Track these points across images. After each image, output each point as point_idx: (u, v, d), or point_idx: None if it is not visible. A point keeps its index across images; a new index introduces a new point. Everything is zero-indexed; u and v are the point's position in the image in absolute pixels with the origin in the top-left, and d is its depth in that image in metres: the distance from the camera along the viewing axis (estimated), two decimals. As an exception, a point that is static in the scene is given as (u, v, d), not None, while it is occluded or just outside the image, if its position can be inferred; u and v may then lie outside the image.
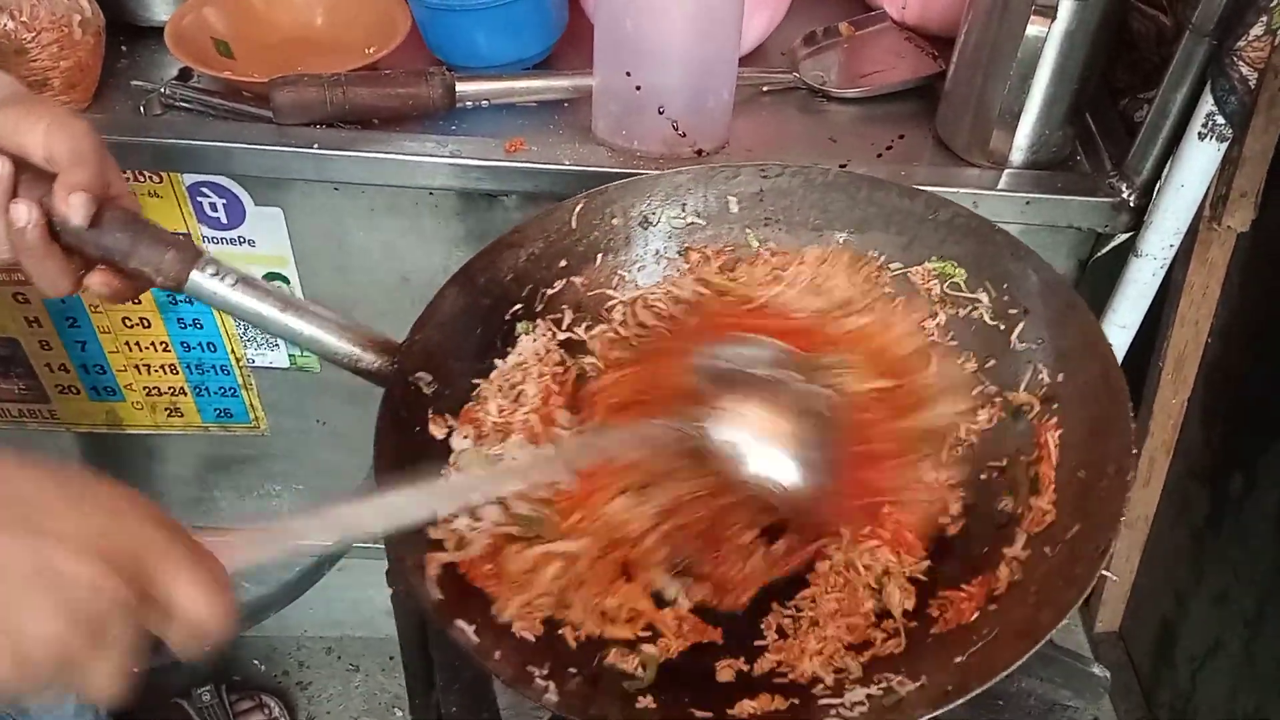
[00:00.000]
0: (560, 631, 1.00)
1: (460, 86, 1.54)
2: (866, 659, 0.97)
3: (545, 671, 0.94)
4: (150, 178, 1.58)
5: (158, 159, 1.53)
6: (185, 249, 1.05)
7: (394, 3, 1.63)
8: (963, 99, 1.52)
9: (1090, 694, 1.03)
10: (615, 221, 1.27)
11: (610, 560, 1.04)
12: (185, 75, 1.58)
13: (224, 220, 1.63)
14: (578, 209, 1.25)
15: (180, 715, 2.20)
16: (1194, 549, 1.85)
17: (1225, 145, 1.41)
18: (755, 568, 1.04)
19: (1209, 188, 1.47)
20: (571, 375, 1.21)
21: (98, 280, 1.06)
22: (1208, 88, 1.38)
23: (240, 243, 1.66)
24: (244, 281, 1.07)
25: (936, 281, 1.21)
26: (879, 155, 1.56)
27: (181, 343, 1.81)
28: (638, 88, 1.46)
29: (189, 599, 0.72)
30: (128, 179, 1.55)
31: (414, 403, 1.10)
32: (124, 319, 1.78)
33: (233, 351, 1.83)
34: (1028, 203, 1.49)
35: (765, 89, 1.67)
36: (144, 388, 1.89)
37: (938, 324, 1.20)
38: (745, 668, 0.99)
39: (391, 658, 2.38)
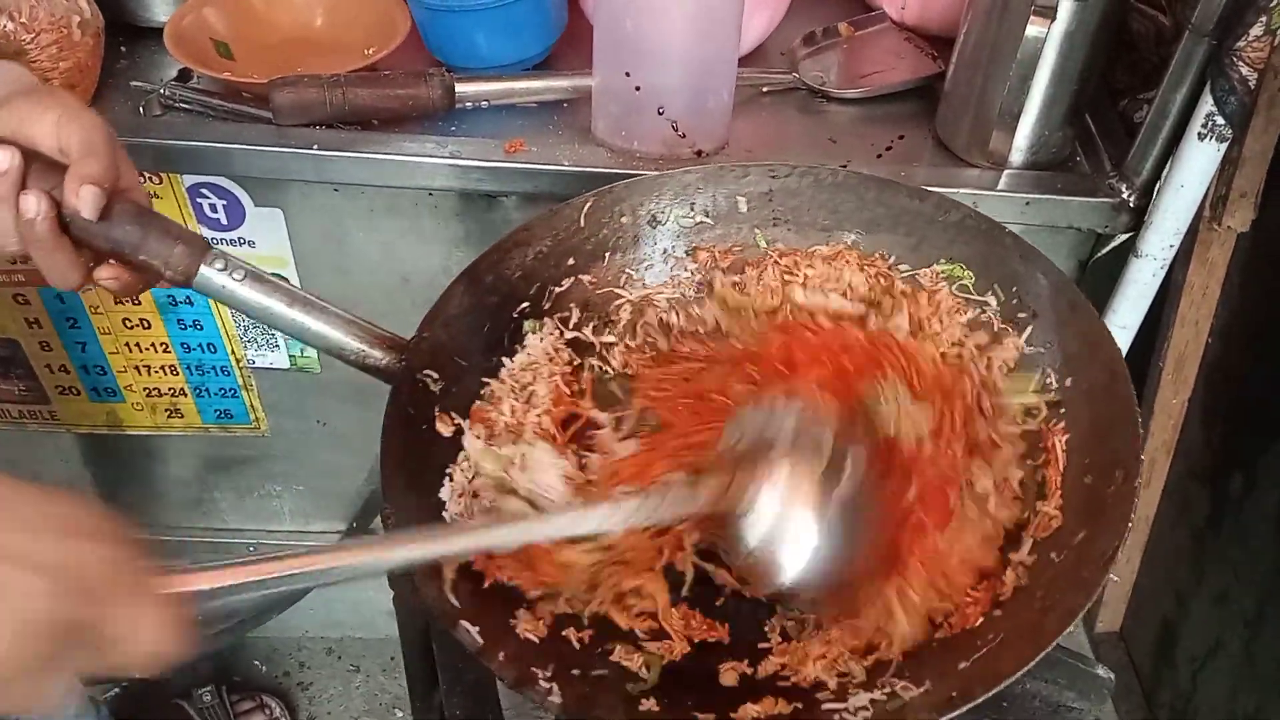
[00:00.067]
0: (565, 632, 1.00)
1: (460, 87, 1.54)
2: (870, 663, 0.97)
3: (549, 673, 0.94)
4: (150, 179, 1.57)
5: (157, 160, 1.53)
6: (194, 243, 1.05)
7: (393, 3, 1.63)
8: (962, 99, 1.52)
9: (1095, 696, 1.03)
10: (624, 220, 1.27)
11: (652, 544, 1.05)
12: (185, 76, 1.58)
13: (224, 221, 1.63)
14: (586, 207, 1.25)
15: (181, 716, 2.20)
16: (1194, 549, 1.85)
17: (1225, 145, 1.41)
18: None
19: (1209, 188, 1.47)
20: (583, 375, 1.22)
21: (106, 274, 1.05)
22: (1207, 88, 1.38)
23: (240, 244, 1.66)
24: (252, 276, 1.07)
25: (945, 283, 1.21)
26: (879, 156, 1.56)
27: (182, 343, 1.81)
28: (637, 88, 1.46)
29: (125, 628, 0.72)
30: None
31: (421, 400, 1.10)
32: (124, 320, 1.78)
33: (233, 352, 1.83)
34: (1027, 203, 1.49)
35: (765, 89, 1.67)
36: (144, 389, 1.89)
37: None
38: (749, 671, 0.99)
39: (392, 658, 2.39)
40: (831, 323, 1.22)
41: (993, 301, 1.19)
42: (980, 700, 0.84)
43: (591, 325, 1.26)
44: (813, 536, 0.94)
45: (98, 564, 0.71)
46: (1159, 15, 1.59)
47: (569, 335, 1.24)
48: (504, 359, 1.18)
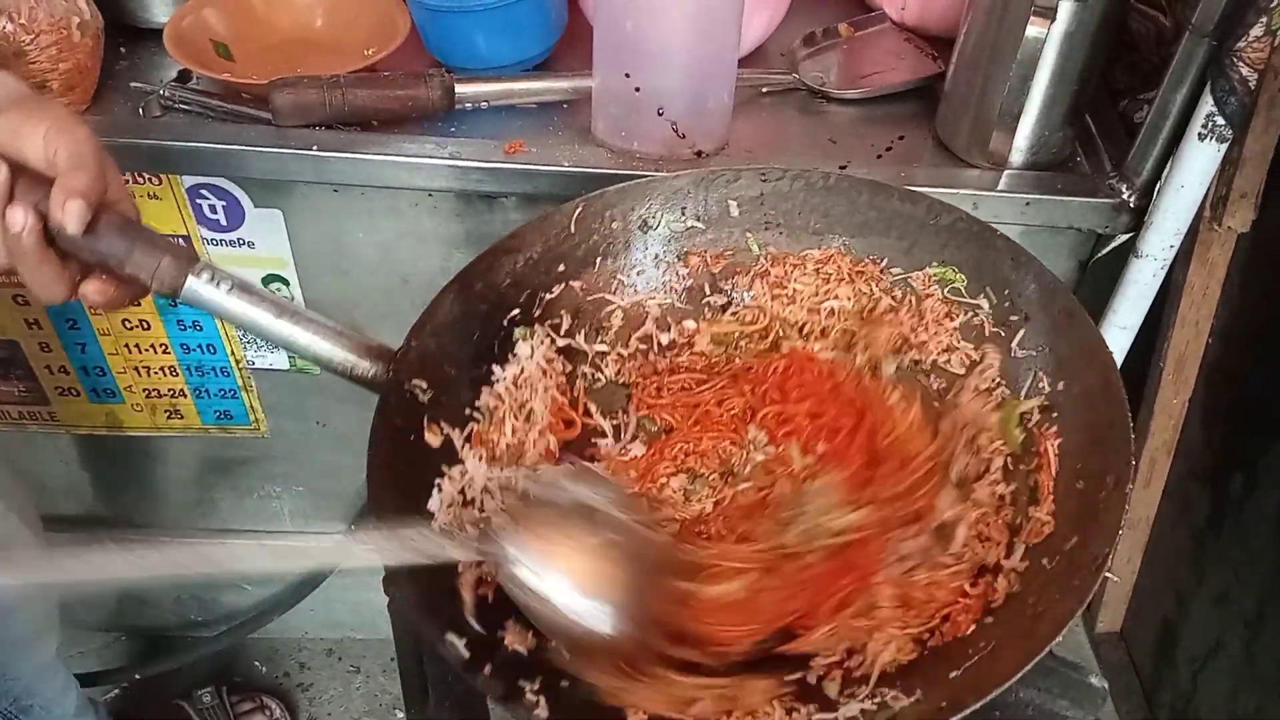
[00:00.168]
0: (554, 643, 0.99)
1: (459, 88, 1.53)
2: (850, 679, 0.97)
3: (536, 686, 0.93)
4: (149, 179, 1.57)
5: (157, 161, 1.53)
6: (181, 254, 1.05)
7: (393, 4, 1.63)
8: (962, 100, 1.52)
9: (1088, 704, 1.02)
10: (614, 225, 1.27)
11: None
12: (184, 77, 1.58)
13: (223, 222, 1.63)
14: (576, 213, 1.24)
15: (182, 716, 2.20)
16: (1195, 550, 1.85)
17: (1225, 146, 1.41)
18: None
19: (1209, 188, 1.47)
20: (577, 384, 1.22)
21: (93, 288, 1.05)
22: (1208, 88, 1.38)
23: (240, 244, 1.65)
24: (239, 287, 1.06)
25: (937, 287, 1.21)
26: (879, 156, 1.56)
27: (181, 345, 1.81)
28: (637, 89, 1.46)
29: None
30: (127, 181, 1.55)
31: (409, 410, 1.09)
32: (124, 321, 1.78)
33: (233, 353, 1.83)
34: (1028, 204, 1.49)
35: (765, 90, 1.66)
36: (144, 390, 1.89)
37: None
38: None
39: (392, 659, 2.38)
40: (822, 345, 1.24)
41: (985, 305, 1.18)
42: (972, 709, 0.84)
43: (583, 333, 1.25)
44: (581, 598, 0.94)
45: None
46: (1159, 15, 1.59)
47: (561, 343, 1.23)
48: (494, 367, 1.17)
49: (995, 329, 1.17)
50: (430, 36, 1.61)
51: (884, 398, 1.17)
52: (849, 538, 1.06)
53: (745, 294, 1.28)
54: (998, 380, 1.15)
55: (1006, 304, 1.16)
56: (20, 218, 0.96)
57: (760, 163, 1.50)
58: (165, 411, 1.93)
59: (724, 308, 1.29)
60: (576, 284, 1.26)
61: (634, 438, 1.22)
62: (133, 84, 1.57)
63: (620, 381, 1.26)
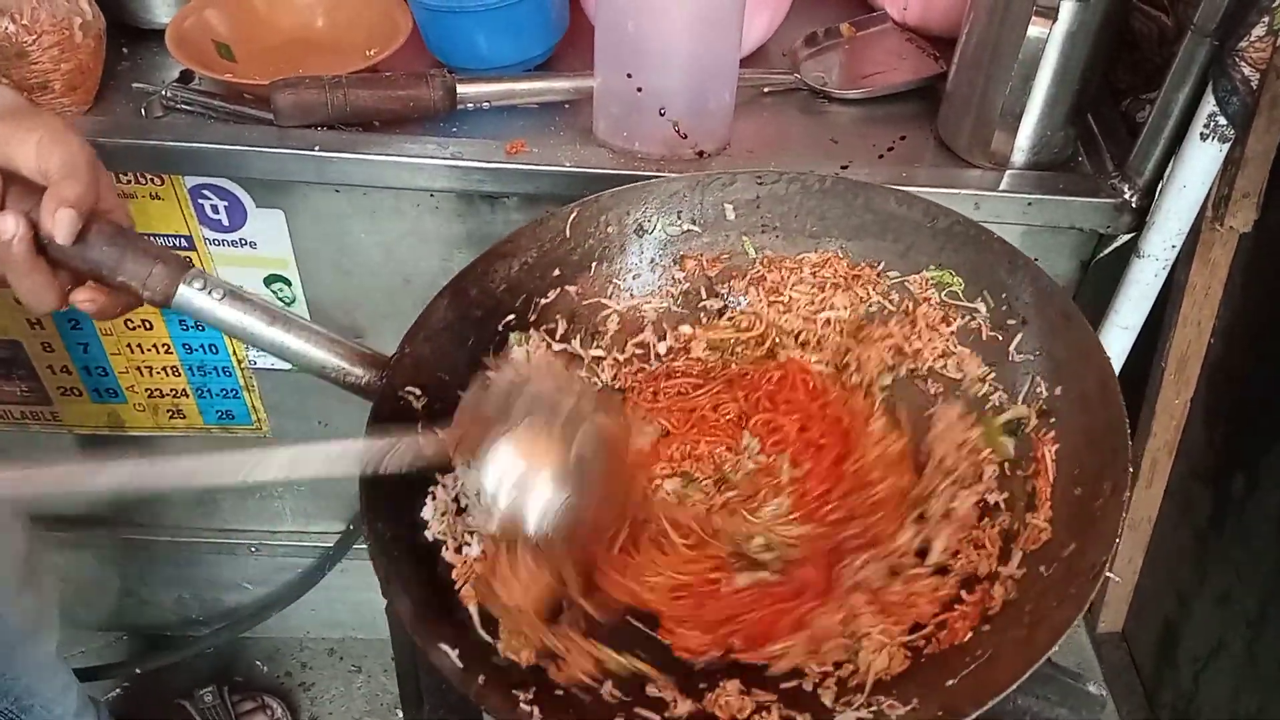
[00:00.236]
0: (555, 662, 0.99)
1: (461, 88, 1.53)
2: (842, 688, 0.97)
3: (530, 696, 0.93)
4: (151, 180, 1.57)
5: (159, 161, 1.53)
6: (173, 263, 1.05)
7: (395, 4, 1.63)
8: (964, 100, 1.52)
9: (1087, 713, 1.02)
10: (610, 230, 1.26)
11: None
12: (186, 78, 1.58)
13: (225, 222, 1.63)
14: (571, 217, 1.24)
15: (183, 716, 2.20)
16: (1197, 550, 1.85)
17: (1227, 146, 1.41)
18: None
19: (1211, 188, 1.47)
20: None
21: (84, 296, 1.05)
22: (1209, 88, 1.38)
23: (241, 245, 1.66)
24: (231, 295, 1.06)
25: (934, 290, 1.21)
26: (880, 156, 1.55)
27: (184, 344, 1.81)
28: (639, 89, 1.46)
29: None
30: (129, 181, 1.56)
31: (403, 417, 1.09)
32: (126, 321, 1.78)
33: (235, 353, 1.83)
34: (1030, 204, 1.49)
35: (766, 90, 1.66)
36: (146, 390, 1.89)
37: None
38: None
39: (393, 659, 2.38)
40: (818, 357, 1.24)
41: (982, 308, 1.18)
42: (970, 718, 0.83)
43: (579, 337, 1.25)
44: (549, 486, 0.95)
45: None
46: (1161, 15, 1.59)
47: (556, 348, 1.23)
48: (489, 374, 1.17)
49: (993, 333, 1.17)
50: (431, 37, 1.61)
51: (867, 424, 1.17)
52: (798, 555, 1.07)
53: (741, 299, 1.28)
54: (993, 387, 1.16)
55: (1004, 307, 1.16)
56: (11, 225, 0.97)
57: (759, 164, 1.49)
58: (167, 411, 1.93)
59: (720, 312, 1.28)
60: (572, 288, 1.26)
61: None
62: (135, 84, 1.57)
63: (616, 386, 1.26)
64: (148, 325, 1.79)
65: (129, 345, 1.82)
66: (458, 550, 1.04)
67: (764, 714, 0.94)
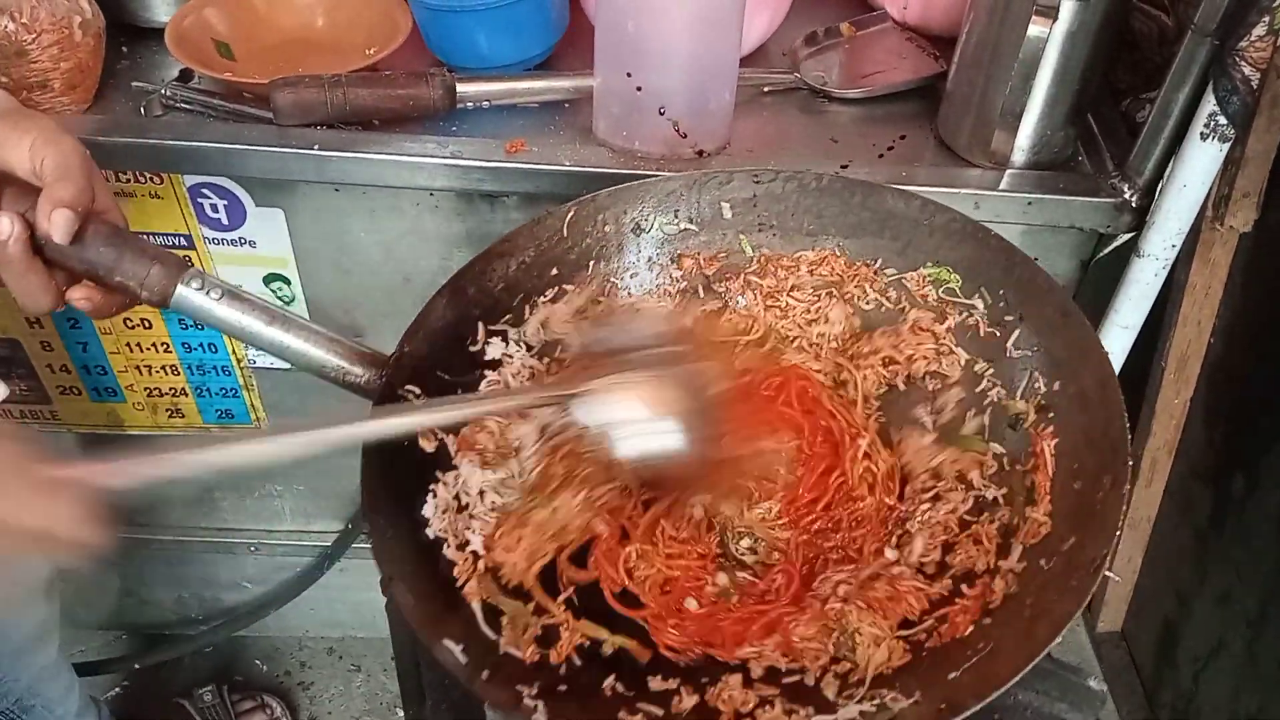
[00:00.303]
0: (549, 651, 1.00)
1: (461, 87, 1.53)
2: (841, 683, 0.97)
3: (534, 691, 0.93)
4: (151, 179, 1.57)
5: (158, 160, 1.53)
6: (170, 262, 1.05)
7: (394, 4, 1.63)
8: (964, 99, 1.52)
9: (1088, 707, 1.02)
10: (607, 229, 1.27)
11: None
12: (186, 76, 1.58)
13: (225, 221, 1.63)
14: (569, 216, 1.24)
15: (182, 715, 2.20)
16: (1196, 549, 1.85)
17: (1227, 145, 1.41)
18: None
19: (1211, 188, 1.47)
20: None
21: (80, 295, 1.06)
22: (1210, 88, 1.38)
23: (241, 244, 1.65)
24: (230, 295, 1.07)
25: (931, 287, 1.21)
26: (880, 156, 1.55)
27: (183, 343, 1.81)
28: (639, 89, 1.46)
29: (44, 518, 0.79)
30: (128, 180, 1.56)
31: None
32: (125, 320, 1.78)
33: (234, 352, 1.83)
34: (1030, 203, 1.49)
35: (766, 89, 1.66)
36: (145, 389, 1.89)
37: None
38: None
39: (393, 658, 2.38)
40: (819, 367, 1.25)
41: (980, 305, 1.19)
42: (971, 711, 0.83)
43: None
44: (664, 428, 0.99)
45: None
46: (1161, 15, 1.59)
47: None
48: (487, 372, 1.17)
49: (990, 329, 1.17)
50: (431, 36, 1.61)
51: (856, 440, 1.18)
52: (779, 559, 1.09)
53: (739, 298, 1.28)
54: (991, 383, 1.16)
55: (1001, 304, 1.16)
56: (7, 225, 0.97)
57: (759, 164, 1.49)
58: (167, 410, 1.93)
59: (718, 313, 1.28)
60: (569, 287, 1.25)
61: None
62: (134, 83, 1.57)
63: None
64: (147, 324, 1.79)
65: (128, 344, 1.82)
66: (459, 548, 1.04)
67: (767, 708, 0.94)
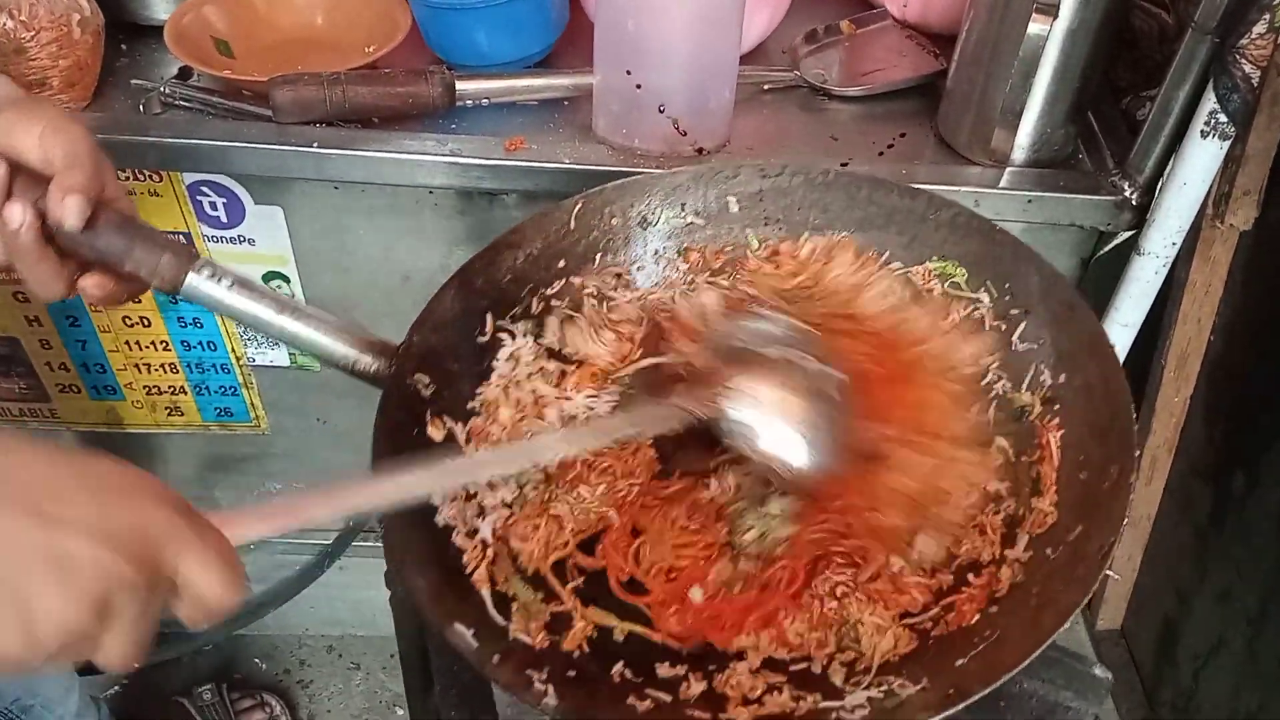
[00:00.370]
0: (564, 634, 1.00)
1: (460, 85, 1.53)
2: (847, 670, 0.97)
3: (544, 675, 0.93)
4: (150, 177, 1.57)
5: (157, 158, 1.53)
6: (181, 251, 1.05)
7: (394, 2, 1.63)
8: (964, 97, 1.52)
9: (1093, 696, 1.02)
10: (614, 221, 1.27)
11: None
12: (185, 74, 1.58)
13: (224, 219, 1.63)
14: (576, 209, 1.24)
15: (181, 713, 2.20)
16: (1197, 547, 1.84)
17: (1228, 143, 1.40)
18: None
19: (1212, 186, 1.47)
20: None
21: (92, 283, 1.06)
22: (1210, 85, 1.37)
23: (240, 242, 1.65)
24: (240, 284, 1.07)
25: (937, 281, 1.21)
26: (880, 154, 1.56)
27: (182, 341, 1.81)
28: (638, 86, 1.46)
29: (197, 576, 0.75)
30: (127, 178, 1.55)
31: (412, 405, 1.09)
32: (124, 318, 1.78)
33: (233, 350, 1.83)
34: (1030, 201, 1.49)
35: (766, 87, 1.66)
36: (144, 387, 1.89)
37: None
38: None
39: (392, 656, 2.38)
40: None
41: (985, 299, 1.18)
42: (978, 697, 0.84)
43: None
44: (810, 428, 1.02)
45: (157, 521, 0.74)
46: (1162, 12, 1.59)
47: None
48: (495, 363, 1.18)
49: (996, 322, 1.17)
50: (431, 33, 1.61)
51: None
52: (782, 552, 1.08)
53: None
54: (997, 375, 1.15)
55: (1007, 298, 1.16)
56: (19, 214, 0.97)
57: (764, 160, 1.49)
58: (166, 408, 1.93)
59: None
60: (576, 280, 1.26)
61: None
62: (133, 81, 1.57)
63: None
64: (145, 322, 1.78)
65: (127, 342, 1.81)
66: (468, 535, 1.04)
67: (775, 694, 0.94)
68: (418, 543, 1.00)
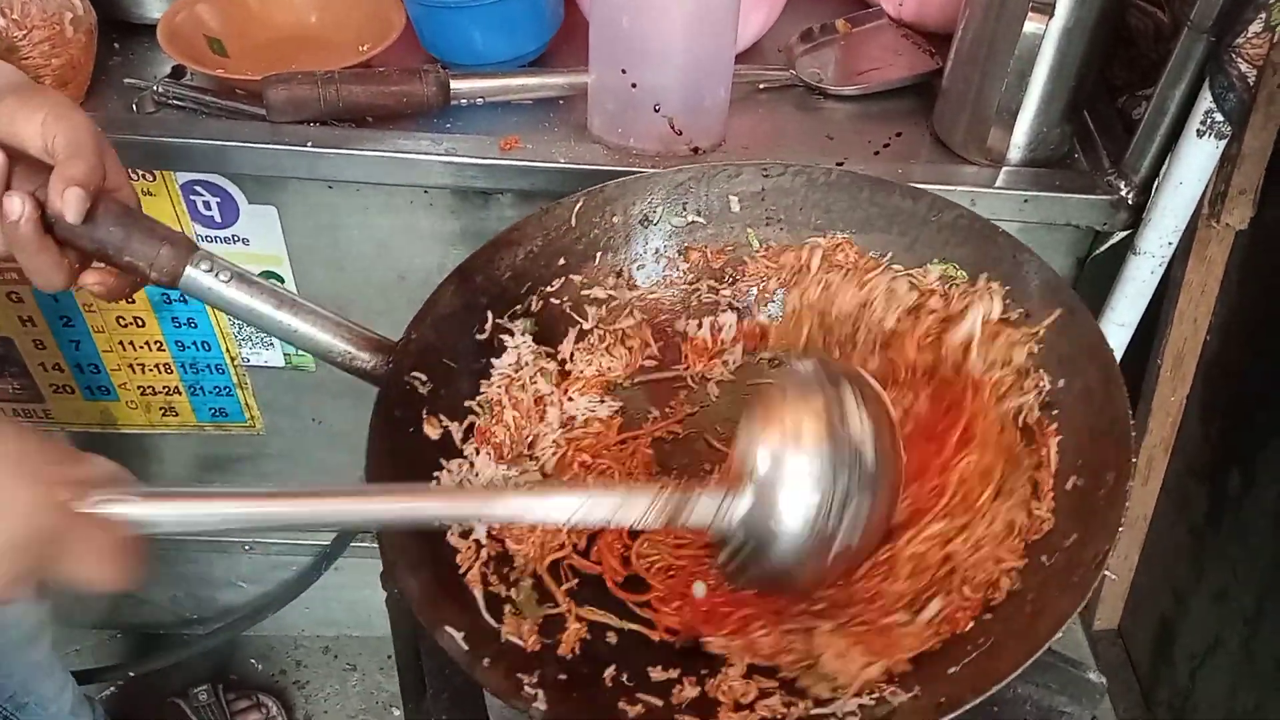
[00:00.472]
0: (553, 639, 1.00)
1: (455, 84, 1.53)
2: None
3: (535, 679, 0.93)
4: (143, 176, 1.57)
5: (151, 157, 1.52)
6: (180, 244, 1.05)
7: (388, 0, 1.62)
8: (960, 96, 1.52)
9: (1087, 700, 1.02)
10: (615, 220, 1.27)
11: None
12: (178, 73, 1.58)
13: (218, 219, 1.63)
14: (577, 207, 1.24)
15: (177, 714, 2.20)
16: (1193, 547, 1.85)
17: (1224, 143, 1.40)
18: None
19: (1207, 185, 1.47)
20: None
21: (93, 279, 1.06)
22: (1206, 85, 1.37)
23: (234, 241, 1.65)
24: (239, 278, 1.07)
25: (938, 283, 1.20)
26: (876, 153, 1.55)
27: (176, 342, 1.81)
28: (634, 85, 1.45)
29: (75, 576, 0.82)
30: (123, 175, 1.55)
31: (409, 403, 1.10)
32: (118, 318, 1.78)
33: (227, 350, 1.82)
34: (1025, 200, 1.49)
35: (762, 86, 1.66)
36: (138, 387, 1.88)
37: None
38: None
39: (389, 657, 2.38)
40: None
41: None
42: (971, 705, 0.83)
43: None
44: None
45: (38, 529, 0.80)
46: (1158, 12, 1.59)
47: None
48: (494, 360, 1.17)
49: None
50: (425, 32, 1.61)
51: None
52: None
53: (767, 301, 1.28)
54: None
55: (1007, 301, 1.16)
56: (18, 205, 0.96)
57: (760, 158, 1.49)
58: (160, 409, 1.93)
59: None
60: (577, 278, 1.26)
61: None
62: (126, 80, 1.57)
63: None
64: (140, 323, 1.78)
65: (121, 342, 1.81)
66: (462, 535, 1.04)
67: (767, 699, 0.94)
68: (411, 543, 1.00)
